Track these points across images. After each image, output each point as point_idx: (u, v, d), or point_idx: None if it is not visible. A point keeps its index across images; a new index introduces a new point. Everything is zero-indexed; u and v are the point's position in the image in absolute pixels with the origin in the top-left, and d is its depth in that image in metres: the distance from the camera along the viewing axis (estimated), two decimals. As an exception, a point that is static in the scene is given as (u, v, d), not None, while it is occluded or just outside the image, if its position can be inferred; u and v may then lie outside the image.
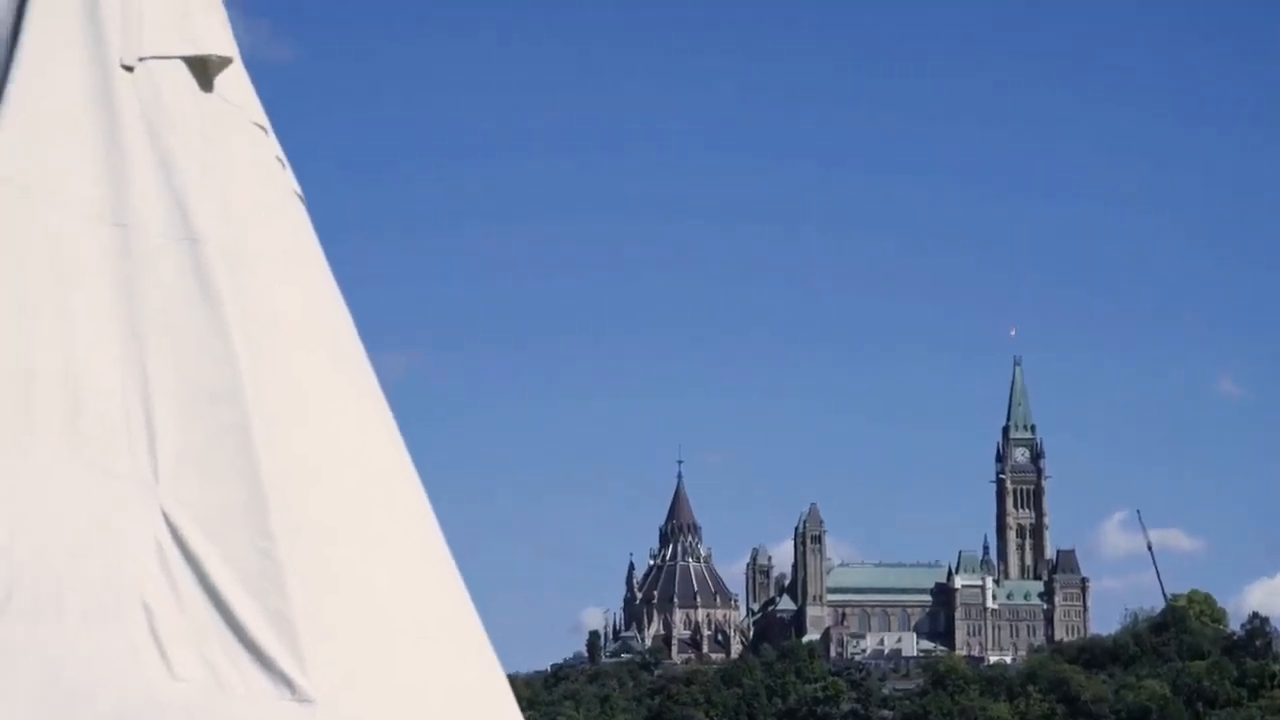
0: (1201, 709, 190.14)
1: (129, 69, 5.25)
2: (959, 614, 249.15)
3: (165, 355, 4.88)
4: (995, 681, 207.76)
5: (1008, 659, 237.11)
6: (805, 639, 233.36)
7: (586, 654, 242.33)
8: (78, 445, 4.74)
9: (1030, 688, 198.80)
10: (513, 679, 7.02)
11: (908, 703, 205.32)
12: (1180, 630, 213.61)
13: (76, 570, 4.63)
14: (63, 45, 5.22)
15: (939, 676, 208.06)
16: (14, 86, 5.06)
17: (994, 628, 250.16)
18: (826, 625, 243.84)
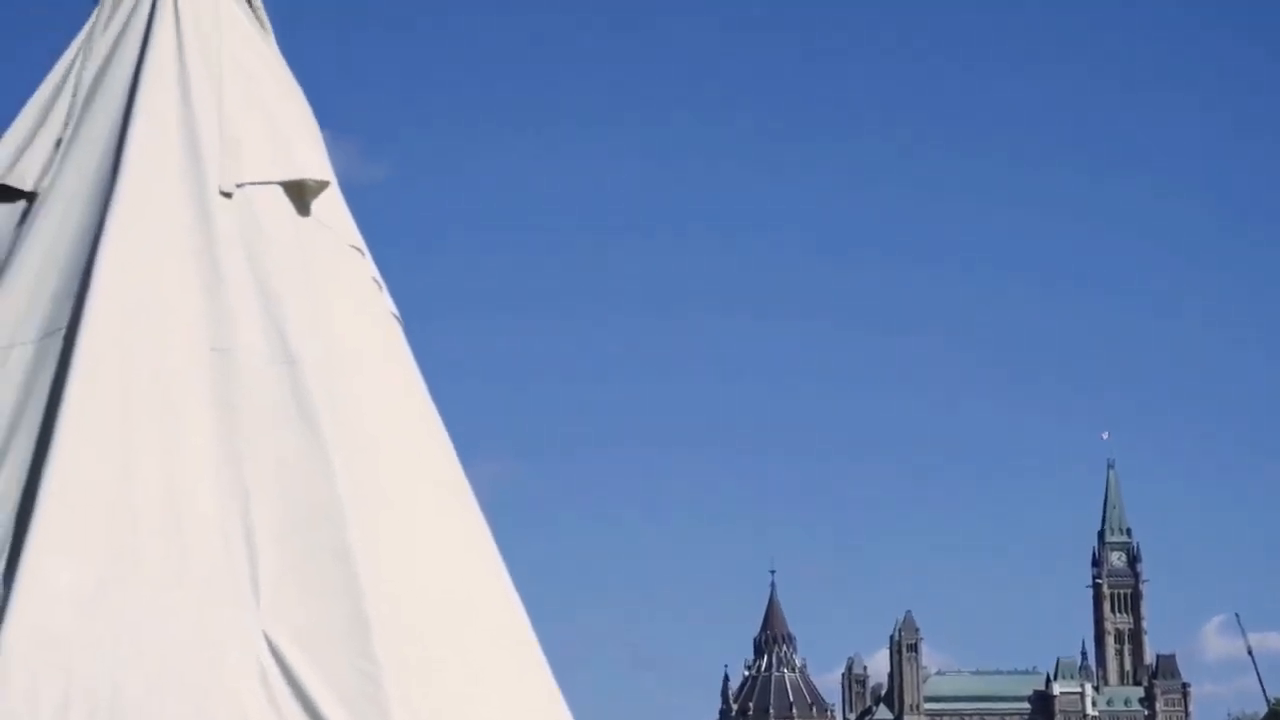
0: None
1: (227, 195, 5.33)
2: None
3: (266, 477, 4.92)
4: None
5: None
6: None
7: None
8: (180, 570, 4.77)
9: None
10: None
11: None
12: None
13: (182, 695, 4.65)
14: (162, 172, 5.31)
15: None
16: (115, 215, 5.15)
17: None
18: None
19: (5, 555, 4.67)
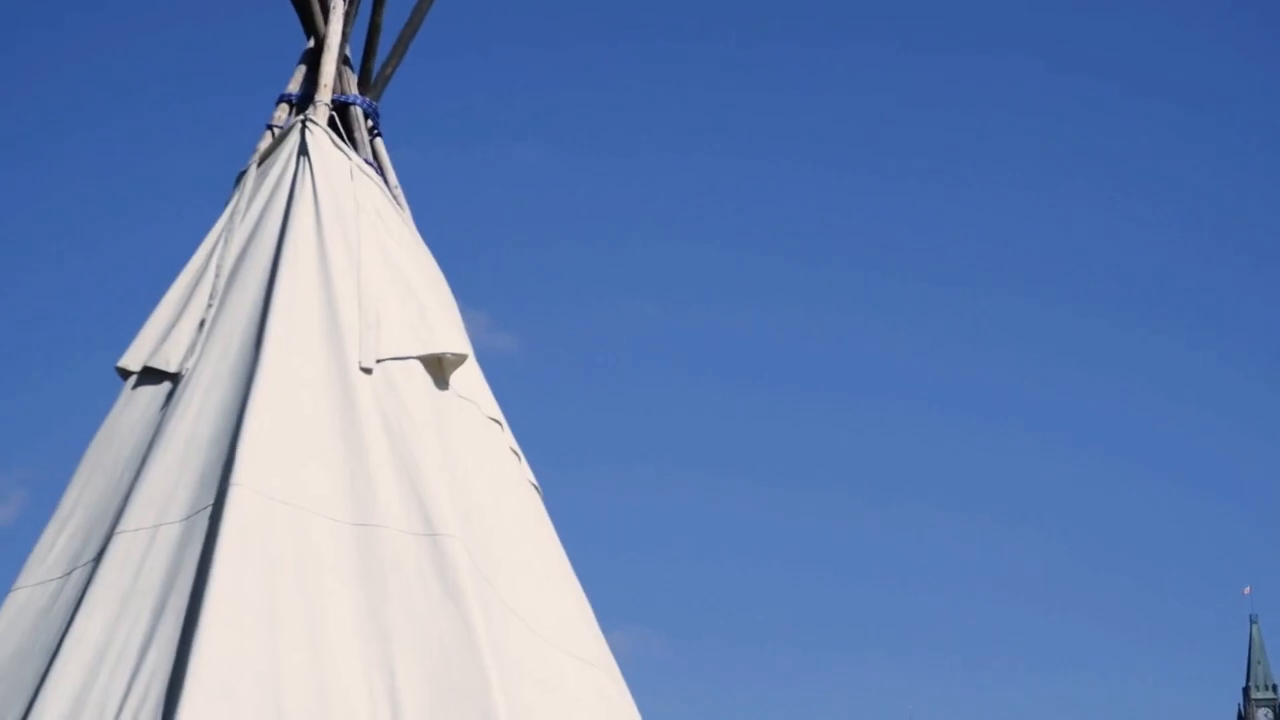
0: None
1: (368, 371, 5.38)
2: None
3: (411, 653, 4.89)
4: None
5: None
6: None
7: None
8: (327, 747, 4.74)
9: None
10: None
11: None
12: None
13: None
14: (304, 350, 5.37)
15: None
16: (258, 394, 5.20)
17: None
18: None
19: (156, 734, 4.67)
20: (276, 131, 6.18)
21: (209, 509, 5.03)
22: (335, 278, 5.55)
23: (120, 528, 5.10)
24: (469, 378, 5.73)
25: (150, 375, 5.63)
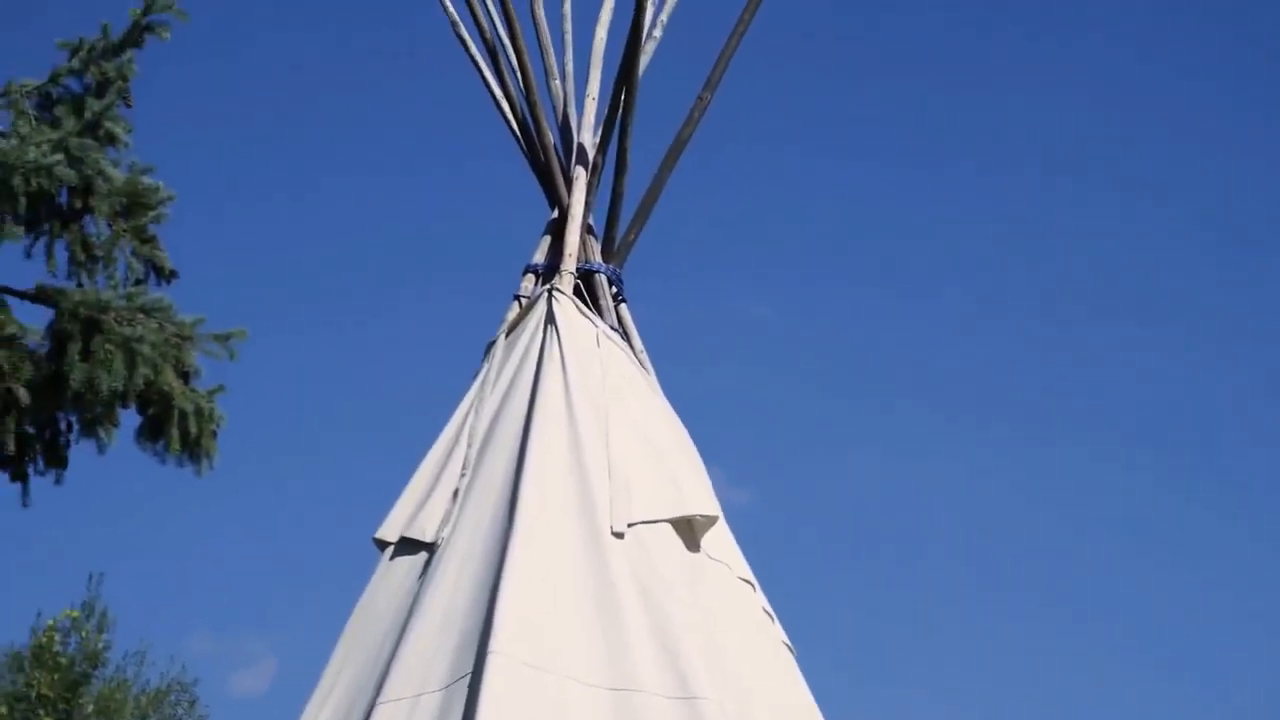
0: None
1: (619, 536, 5.40)
2: None
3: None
4: None
5: None
6: None
7: None
8: None
9: None
10: None
11: None
12: None
13: None
14: (556, 517, 5.42)
15: None
16: (512, 561, 5.25)
17: None
18: None
19: None
20: (524, 301, 6.31)
21: (468, 677, 5.07)
22: (585, 444, 5.60)
23: (382, 698, 5.16)
24: (720, 539, 5.73)
25: (407, 546, 5.72)
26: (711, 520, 5.65)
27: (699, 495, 5.68)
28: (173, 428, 11.15)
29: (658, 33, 6.83)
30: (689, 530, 5.58)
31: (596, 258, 6.43)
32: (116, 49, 10.76)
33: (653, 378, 6.17)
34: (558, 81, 6.89)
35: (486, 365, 6.12)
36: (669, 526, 5.54)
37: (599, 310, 6.24)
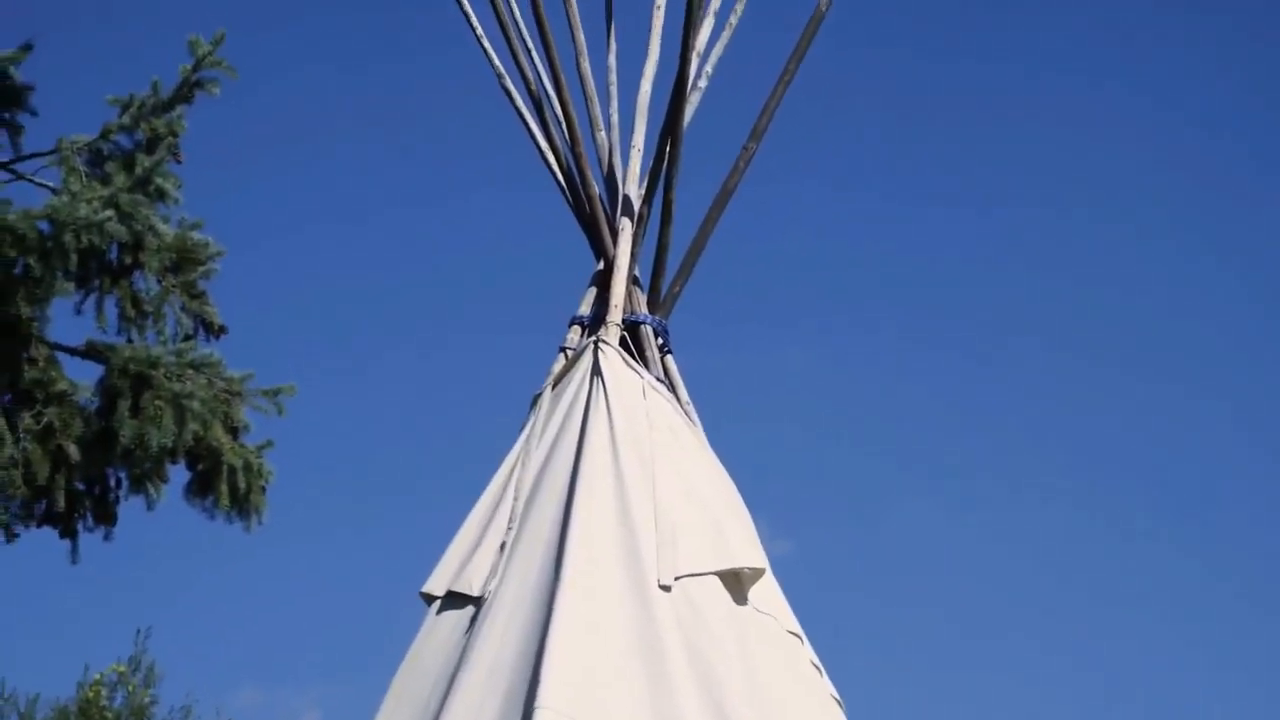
0: None
1: (666, 589, 5.37)
2: None
3: None
4: None
5: None
6: None
7: None
8: None
9: None
10: None
11: None
12: None
13: None
14: (602, 570, 5.39)
15: None
16: (559, 614, 5.22)
17: None
18: None
19: None
20: (570, 354, 6.29)
21: (514, 731, 5.04)
22: (631, 496, 5.58)
23: (427, 753, 5.14)
24: (767, 591, 5.69)
25: (454, 600, 5.70)
26: (759, 573, 5.61)
27: (746, 548, 5.65)
28: (222, 483, 11.17)
29: (703, 83, 6.83)
30: (736, 583, 5.55)
31: (642, 309, 6.41)
32: (166, 105, 10.83)
33: (699, 429, 6.15)
34: (603, 133, 6.90)
35: (533, 418, 6.11)
36: (716, 579, 5.50)
37: (645, 362, 6.22)
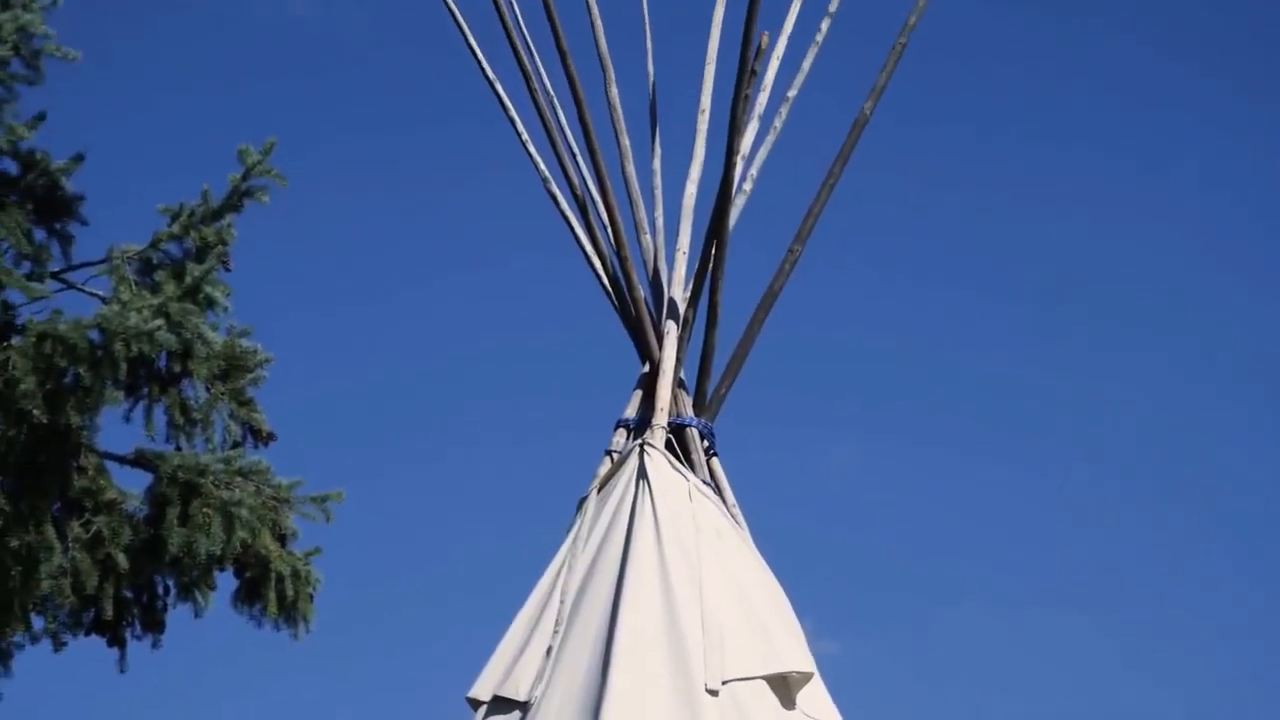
0: None
1: (714, 693, 5.33)
2: None
3: None
4: None
5: None
6: None
7: None
8: None
9: None
10: None
11: None
12: None
13: None
14: (649, 674, 5.35)
15: None
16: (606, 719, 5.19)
17: None
18: None
19: None
20: (615, 456, 6.28)
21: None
22: (678, 600, 5.55)
23: None
24: (815, 695, 5.64)
25: (501, 704, 5.67)
26: (806, 676, 5.56)
27: (793, 651, 5.60)
28: (270, 591, 11.15)
29: (748, 186, 6.85)
30: (784, 686, 5.50)
31: (688, 412, 6.40)
32: (216, 214, 10.91)
33: (745, 531, 6.12)
34: (648, 236, 6.91)
35: (579, 521, 6.09)
36: (763, 683, 5.46)
37: (691, 464, 6.20)
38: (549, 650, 5.65)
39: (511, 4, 7.24)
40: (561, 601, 5.79)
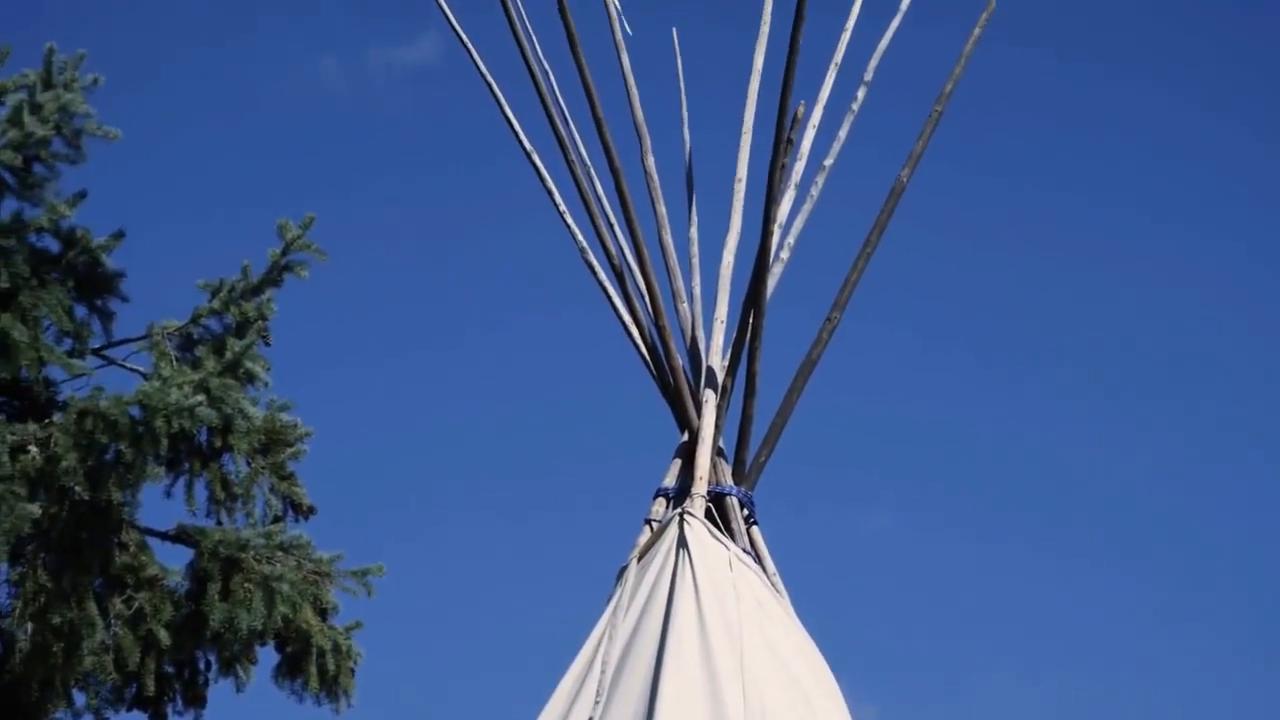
0: None
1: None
2: None
3: None
4: None
5: None
6: None
7: None
8: None
9: None
10: None
11: None
12: None
13: None
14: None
15: None
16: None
17: None
18: None
19: None
20: (655, 526, 6.25)
21: None
22: (719, 670, 5.52)
23: None
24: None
25: (542, 775, 5.63)
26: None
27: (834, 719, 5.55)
28: (311, 665, 11.14)
29: (785, 254, 6.84)
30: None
31: (727, 480, 6.37)
32: (256, 289, 10.97)
33: (786, 600, 6.08)
34: (685, 305, 6.90)
35: (619, 591, 6.06)
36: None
37: (731, 533, 6.17)
38: (590, 721, 5.61)
39: (547, 73, 7.27)
40: (603, 672, 5.75)
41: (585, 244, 7.08)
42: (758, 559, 6.17)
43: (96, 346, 11.21)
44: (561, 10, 6.88)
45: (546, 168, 7.25)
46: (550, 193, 7.21)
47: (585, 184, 7.06)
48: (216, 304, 11.01)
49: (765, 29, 7.48)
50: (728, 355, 6.60)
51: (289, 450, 11.12)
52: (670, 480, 6.42)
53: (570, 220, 7.15)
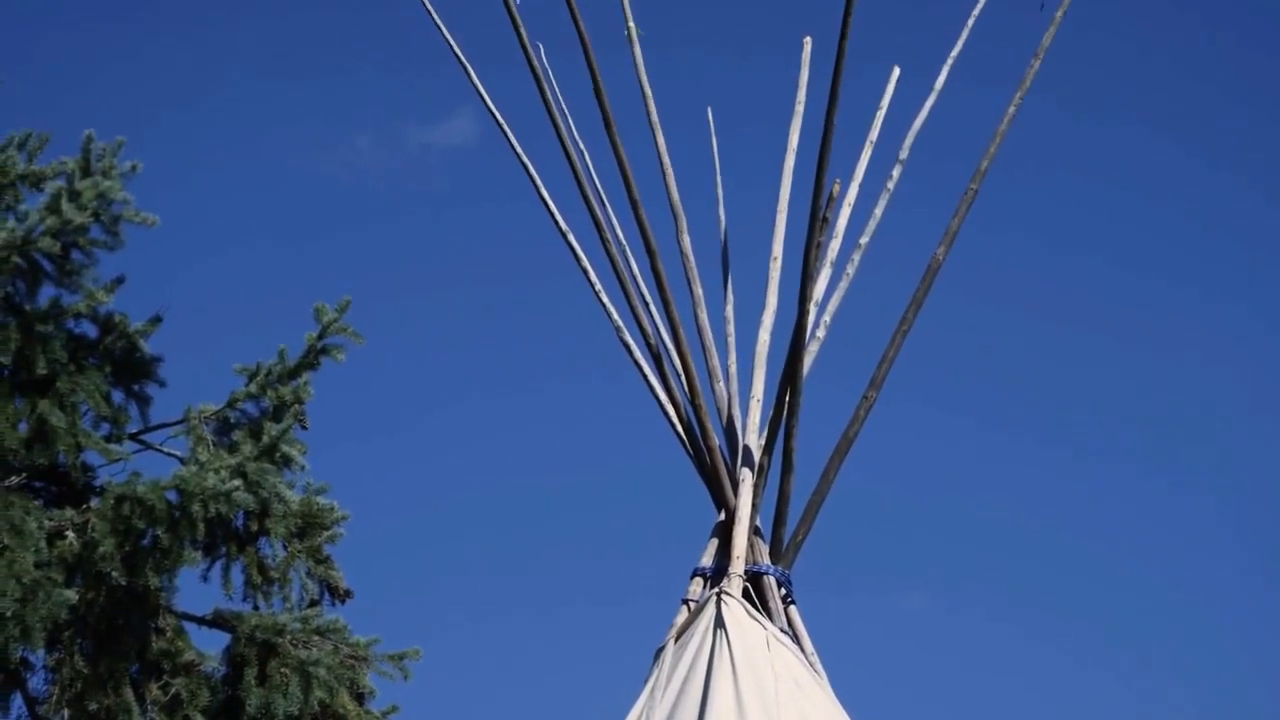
0: None
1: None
2: None
3: None
4: None
5: None
6: None
7: None
8: None
9: None
10: None
11: None
12: None
13: None
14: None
15: None
16: None
17: None
18: None
19: None
20: (692, 605, 6.21)
21: None
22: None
23: None
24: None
25: None
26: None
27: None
28: (347, 749, 11.05)
29: (821, 333, 6.82)
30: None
31: (764, 559, 6.33)
32: (292, 373, 10.96)
33: (824, 679, 6.02)
34: (721, 384, 6.88)
35: (656, 671, 6.01)
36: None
37: (768, 613, 6.12)
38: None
39: (583, 153, 7.29)
40: (643, 747, 5.70)
41: (621, 323, 7.07)
42: (795, 638, 6.12)
43: (133, 431, 11.20)
44: (597, 92, 6.90)
45: (582, 247, 7.26)
46: (586, 272, 7.22)
47: (621, 263, 7.06)
48: (253, 388, 11.01)
49: (800, 108, 7.50)
50: (764, 434, 6.57)
51: (325, 534, 11.08)
52: (707, 559, 6.38)
53: (606, 300, 7.14)
